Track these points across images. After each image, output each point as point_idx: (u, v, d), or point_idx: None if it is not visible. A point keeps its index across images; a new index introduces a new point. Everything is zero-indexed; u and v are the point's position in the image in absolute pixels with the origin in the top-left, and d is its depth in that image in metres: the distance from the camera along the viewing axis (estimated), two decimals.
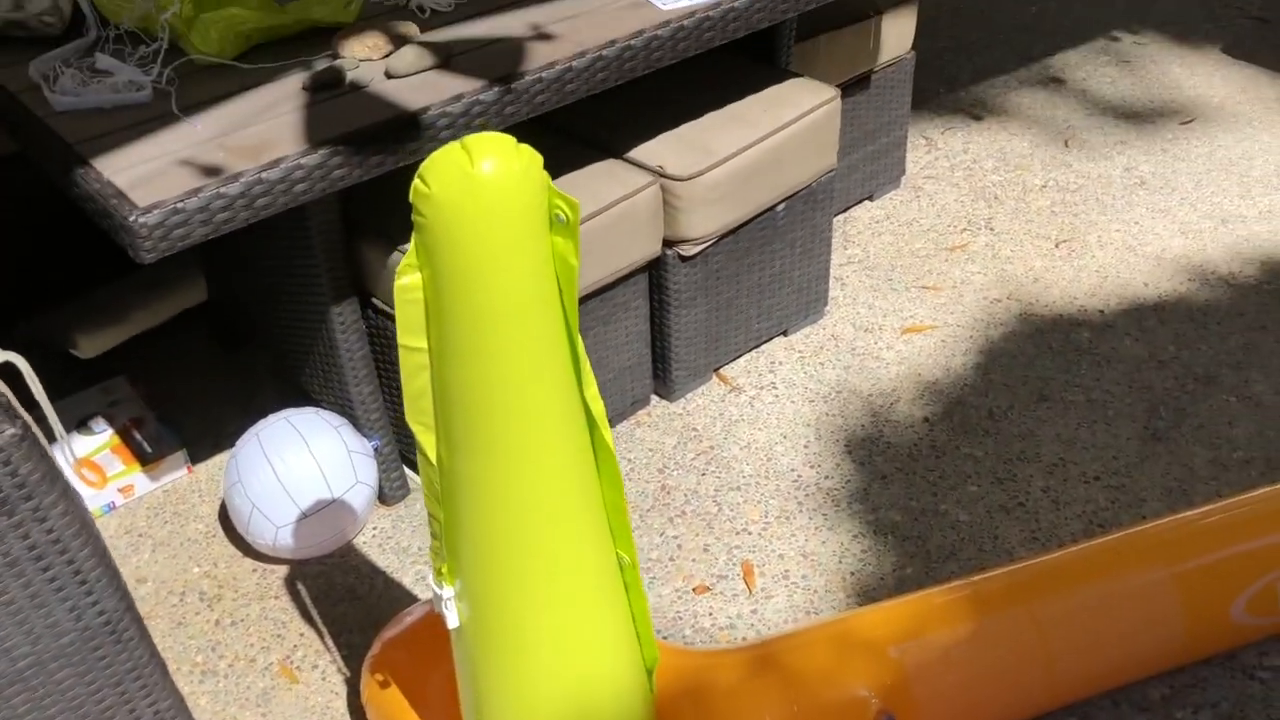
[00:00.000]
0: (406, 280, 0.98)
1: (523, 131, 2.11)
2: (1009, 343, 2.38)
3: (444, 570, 1.15)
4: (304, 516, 1.85)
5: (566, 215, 0.96)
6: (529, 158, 0.94)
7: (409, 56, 1.62)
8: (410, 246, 0.97)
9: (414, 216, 0.94)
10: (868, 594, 1.84)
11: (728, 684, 1.47)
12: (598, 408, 1.08)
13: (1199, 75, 3.33)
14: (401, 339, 1.02)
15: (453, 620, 1.16)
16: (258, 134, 1.52)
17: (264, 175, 1.45)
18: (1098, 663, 1.56)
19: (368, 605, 1.89)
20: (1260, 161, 2.92)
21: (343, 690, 1.75)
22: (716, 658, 1.52)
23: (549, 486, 1.07)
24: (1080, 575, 1.59)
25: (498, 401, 1.01)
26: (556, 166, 1.98)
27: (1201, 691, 1.66)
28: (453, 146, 0.92)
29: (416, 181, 0.93)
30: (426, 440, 1.08)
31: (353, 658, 1.80)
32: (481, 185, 0.91)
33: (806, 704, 1.45)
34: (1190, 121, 3.11)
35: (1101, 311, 2.44)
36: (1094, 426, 2.15)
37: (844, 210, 2.82)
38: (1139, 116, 3.15)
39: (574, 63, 1.65)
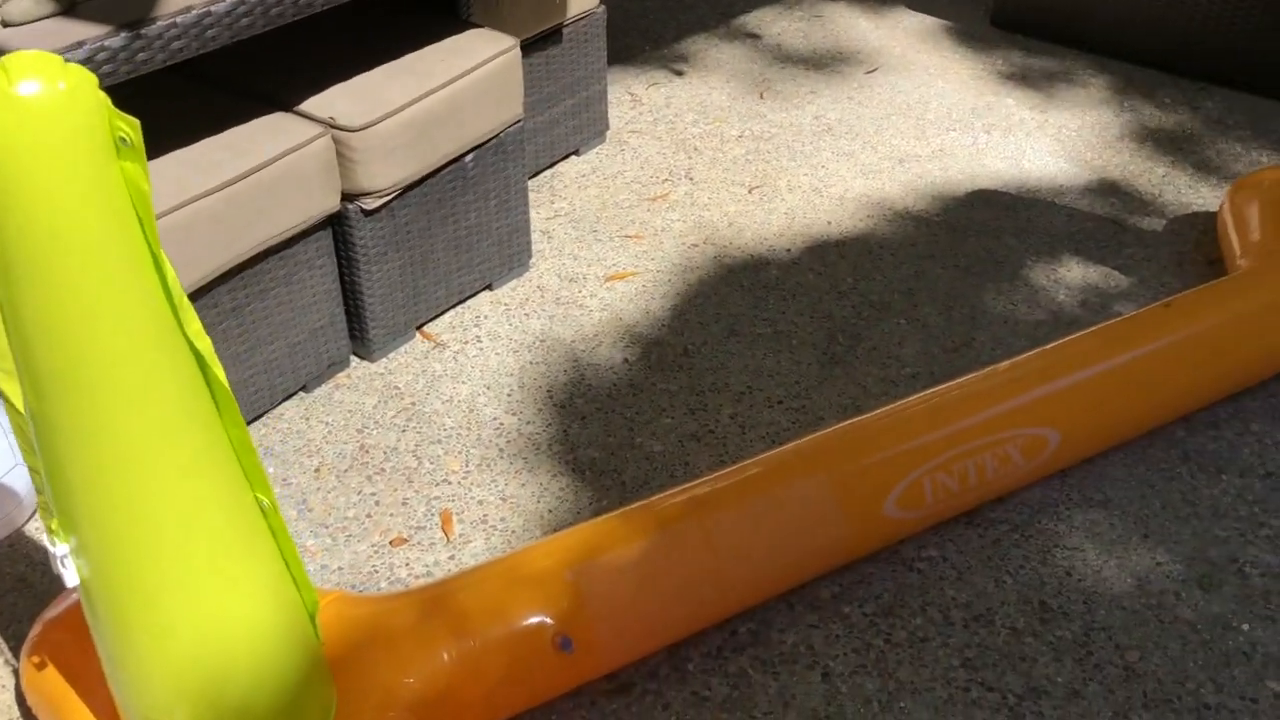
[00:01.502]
0: None
1: (180, 84, 2.02)
2: (704, 284, 2.47)
3: (55, 526, 1.10)
4: None
5: (129, 137, 0.93)
6: (79, 76, 0.90)
7: (25, 3, 1.53)
8: None
9: None
10: (562, 530, 1.88)
11: (403, 626, 1.48)
12: (203, 344, 1.06)
13: (883, 27, 3.54)
14: None
15: (71, 578, 1.11)
16: None
17: None
18: (767, 567, 1.65)
19: (39, 593, 1.78)
20: (934, 105, 3.14)
21: (10, 682, 1.65)
22: (390, 601, 1.52)
23: (154, 428, 1.04)
24: (746, 487, 1.67)
25: (79, 340, 0.97)
26: (219, 120, 1.91)
27: (866, 586, 1.79)
28: None
29: None
30: (9, 387, 1.03)
31: (20, 649, 1.70)
32: (22, 108, 0.87)
33: (484, 637, 1.47)
34: (874, 70, 3.31)
35: (788, 250, 2.57)
36: (779, 355, 2.27)
37: (550, 165, 2.86)
38: (828, 67, 3.33)
39: (213, 6, 1.60)
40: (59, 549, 1.10)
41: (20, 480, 1.79)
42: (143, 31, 1.52)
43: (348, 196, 2.02)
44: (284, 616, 1.25)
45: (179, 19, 1.55)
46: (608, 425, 2.10)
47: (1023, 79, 3.27)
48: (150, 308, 1.00)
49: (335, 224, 2.05)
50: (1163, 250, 2.58)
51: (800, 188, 2.80)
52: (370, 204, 2.03)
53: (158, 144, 1.84)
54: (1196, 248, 2.59)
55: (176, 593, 1.13)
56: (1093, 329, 2.02)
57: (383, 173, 2.00)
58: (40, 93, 0.88)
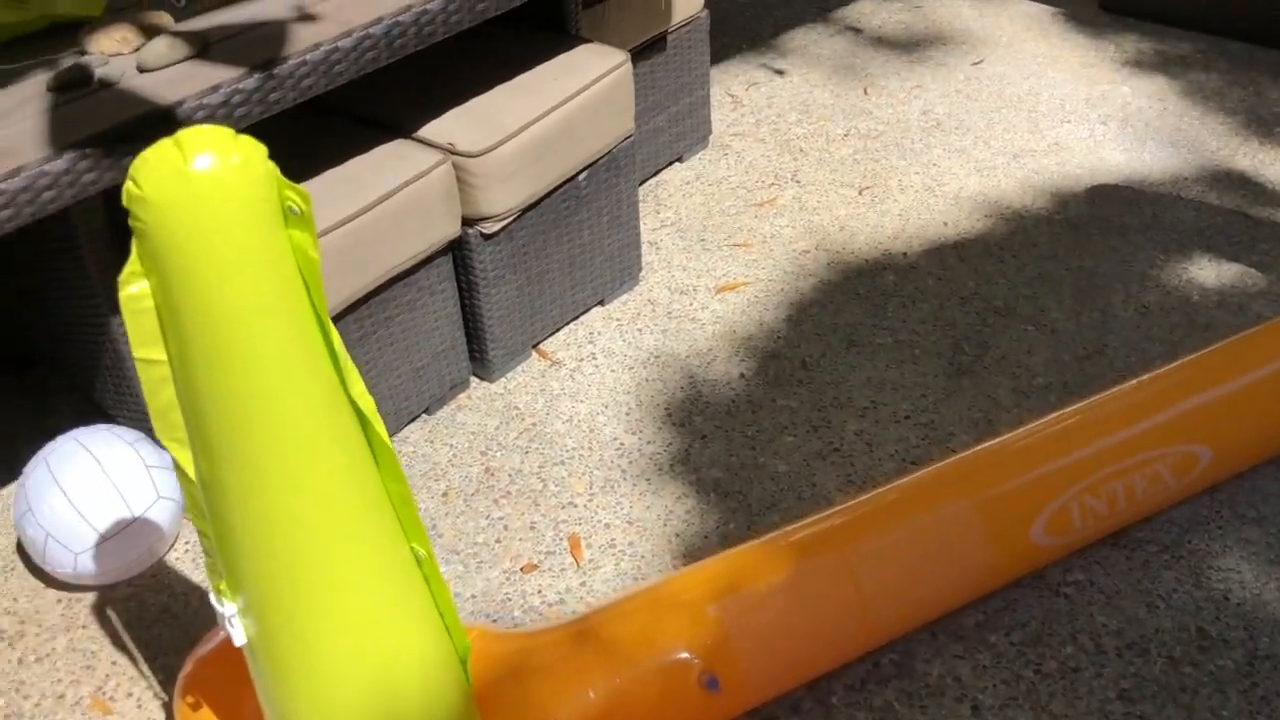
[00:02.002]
0: (133, 289, 0.92)
1: (302, 117, 2.03)
2: (818, 292, 2.42)
3: (222, 587, 1.10)
4: (104, 539, 1.76)
5: (299, 207, 0.92)
6: (249, 149, 0.89)
7: (161, 48, 1.53)
8: (132, 253, 0.92)
9: (130, 221, 0.89)
10: (693, 554, 1.86)
11: (548, 663, 1.46)
12: (366, 404, 1.05)
13: (988, 16, 3.44)
14: (136, 352, 0.96)
15: (239, 638, 1.11)
16: None
17: (4, 186, 1.35)
18: (911, 598, 1.61)
19: (183, 624, 1.81)
20: (1046, 96, 3.04)
21: (160, 716, 1.68)
22: (535, 638, 1.51)
23: (318, 490, 1.03)
24: (887, 514, 1.63)
25: (249, 409, 0.96)
26: (339, 150, 1.91)
27: (1012, 613, 1.73)
28: (164, 143, 0.87)
29: (128, 184, 0.88)
30: (182, 456, 1.03)
31: (170, 681, 1.73)
32: (198, 183, 0.86)
33: (628, 674, 1.45)
34: (981, 62, 3.21)
35: (904, 254, 2.51)
36: (902, 367, 2.21)
37: (654, 174, 2.82)
38: (933, 60, 3.24)
39: (340, 43, 1.59)
40: (227, 609, 1.10)
41: (162, 514, 1.81)
42: (275, 72, 1.52)
43: (467, 221, 2.01)
44: (439, 664, 1.24)
45: (308, 56, 1.55)
46: (729, 444, 2.07)
47: (1137, 65, 3.15)
48: (317, 373, 0.99)
49: (455, 249, 2.04)
50: None
51: (912, 187, 2.73)
52: (490, 228, 2.02)
53: (286, 169, 1.84)
54: None
55: (337, 646, 1.13)
56: (1238, 336, 1.93)
57: (502, 197, 1.99)
58: (214, 167, 0.87)
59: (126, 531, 1.78)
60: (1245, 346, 1.89)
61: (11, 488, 2.07)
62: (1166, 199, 2.63)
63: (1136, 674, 1.64)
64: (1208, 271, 2.40)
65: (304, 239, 0.94)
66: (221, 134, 0.88)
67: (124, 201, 0.89)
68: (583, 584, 1.82)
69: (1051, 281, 2.40)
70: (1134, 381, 1.85)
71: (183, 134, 0.87)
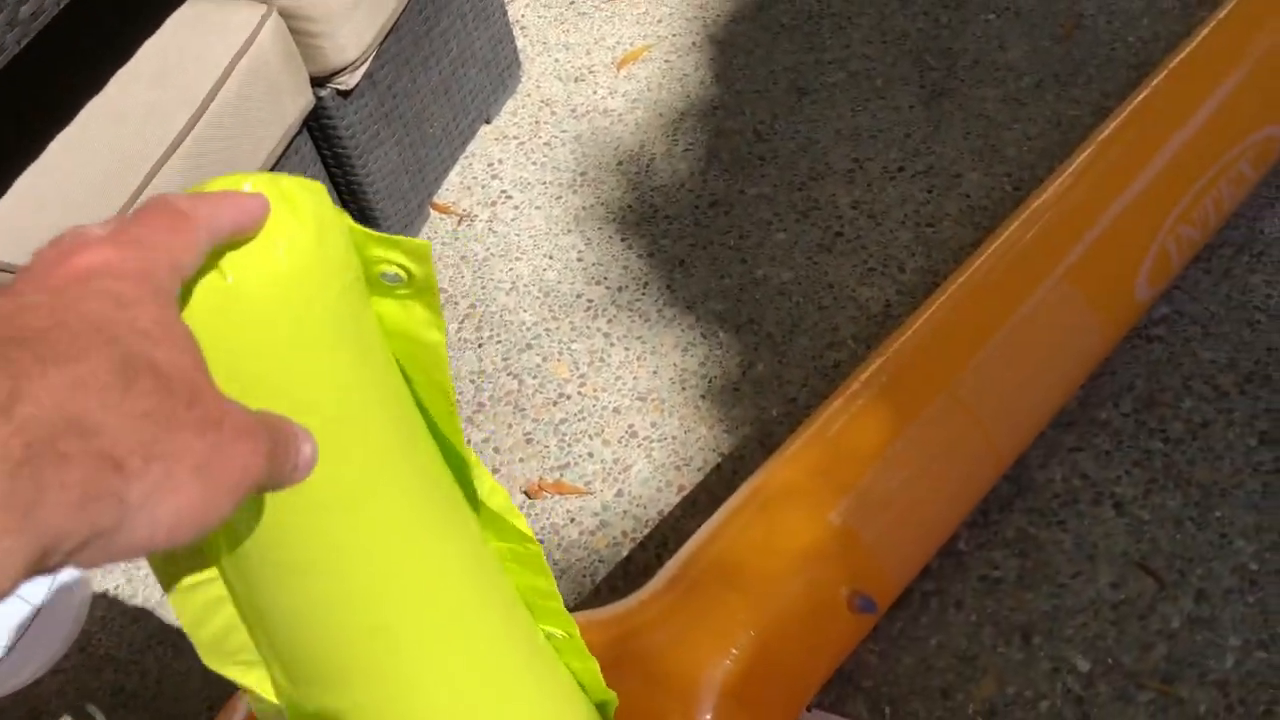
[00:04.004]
0: None
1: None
2: (737, 36, 2.00)
3: None
4: (13, 643, 1.33)
5: (403, 269, 0.50)
6: (316, 213, 0.46)
7: None
8: None
9: None
10: (729, 416, 1.54)
11: (669, 638, 1.16)
12: (498, 501, 0.67)
13: None
14: (172, 588, 0.55)
15: None
16: None
17: None
18: (1030, 408, 1.34)
19: (143, 699, 1.42)
20: None
21: None
22: (642, 611, 1.19)
23: (447, 649, 0.67)
24: (975, 318, 1.33)
25: (357, 611, 0.58)
26: (129, 39, 1.35)
27: (1112, 378, 1.49)
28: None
29: None
30: (253, 678, 0.64)
31: None
32: (243, 304, 0.45)
33: (767, 624, 1.16)
34: None
35: None
36: (870, 105, 1.85)
37: None
38: None
39: None
40: None
41: (67, 594, 1.38)
42: None
43: (317, 80, 1.49)
44: None
45: None
46: (714, 263, 1.71)
47: None
48: (441, 518, 0.60)
49: (311, 120, 1.53)
50: None
51: None
52: (347, 82, 1.51)
53: (72, 95, 1.29)
54: None
55: None
56: None
57: (352, 38, 1.47)
58: (259, 258, 0.44)
59: (34, 627, 1.35)
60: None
61: None
62: None
63: (1269, 408, 1.44)
64: None
65: (415, 314, 0.52)
66: (269, 183, 0.45)
67: None
68: (619, 494, 1.50)
69: None
70: (1161, 73, 1.54)
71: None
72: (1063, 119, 1.77)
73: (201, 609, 0.59)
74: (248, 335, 0.47)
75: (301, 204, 0.47)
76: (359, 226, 0.50)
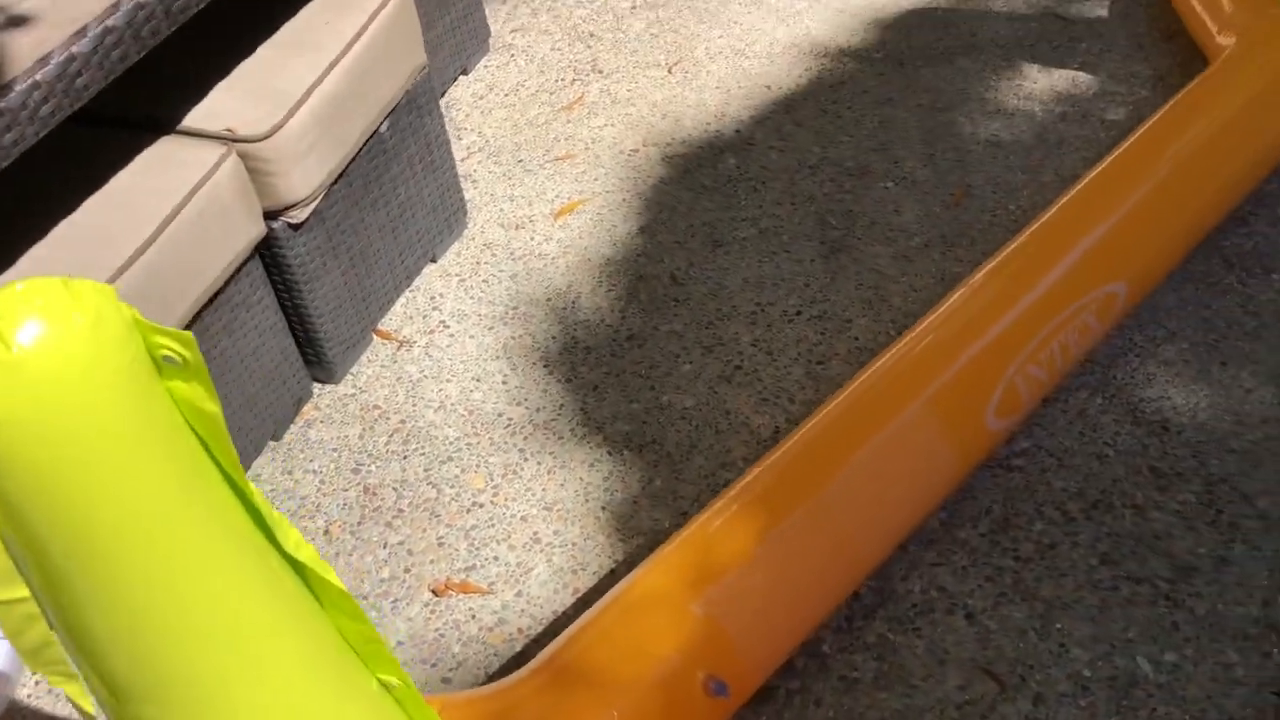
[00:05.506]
0: None
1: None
2: (662, 194, 2.22)
3: None
4: None
5: (181, 356, 0.65)
6: (95, 300, 0.62)
7: None
8: None
9: None
10: (626, 525, 1.68)
11: (538, 715, 1.27)
12: (305, 553, 0.80)
13: None
14: None
15: None
16: None
17: None
18: (887, 522, 1.49)
19: None
20: None
21: None
22: (512, 693, 1.30)
23: (272, 679, 0.79)
24: (842, 440, 1.49)
25: (165, 618, 0.71)
26: (99, 171, 1.55)
27: (973, 501, 1.64)
28: None
29: None
30: (72, 689, 0.76)
31: None
32: (30, 369, 0.59)
33: (628, 704, 1.28)
34: None
35: (738, 130, 2.33)
36: (776, 258, 2.05)
37: (442, 94, 2.51)
38: None
39: (75, 47, 1.23)
40: None
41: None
42: (1, 107, 1.16)
43: (270, 214, 1.69)
44: None
45: (40, 75, 1.19)
46: (625, 389, 1.88)
47: None
48: (240, 547, 0.73)
49: (263, 248, 1.72)
50: (1118, 36, 2.41)
51: (721, 53, 2.53)
52: (297, 216, 1.71)
53: (41, 218, 1.47)
54: (1151, 24, 2.43)
55: None
56: (1113, 158, 1.86)
57: (303, 178, 1.67)
58: (49, 340, 0.59)
59: None
60: (1117, 169, 1.82)
61: None
62: (978, 14, 2.53)
63: (1110, 532, 1.58)
64: (1041, 84, 2.33)
65: (193, 391, 0.67)
66: (47, 289, 0.60)
67: None
68: (519, 594, 1.62)
69: (896, 128, 2.28)
70: (1028, 232, 1.75)
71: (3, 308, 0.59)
72: (946, 275, 1.97)
73: (20, 620, 0.72)
74: (33, 395, 0.61)
75: (86, 298, 0.62)
76: (144, 320, 0.66)
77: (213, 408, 0.68)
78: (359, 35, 1.74)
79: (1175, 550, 1.56)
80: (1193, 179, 1.83)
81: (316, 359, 1.90)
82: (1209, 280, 1.89)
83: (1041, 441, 1.70)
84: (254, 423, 1.78)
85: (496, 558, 1.66)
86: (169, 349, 0.65)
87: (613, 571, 1.62)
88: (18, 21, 1.25)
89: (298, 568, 0.81)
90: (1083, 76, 2.33)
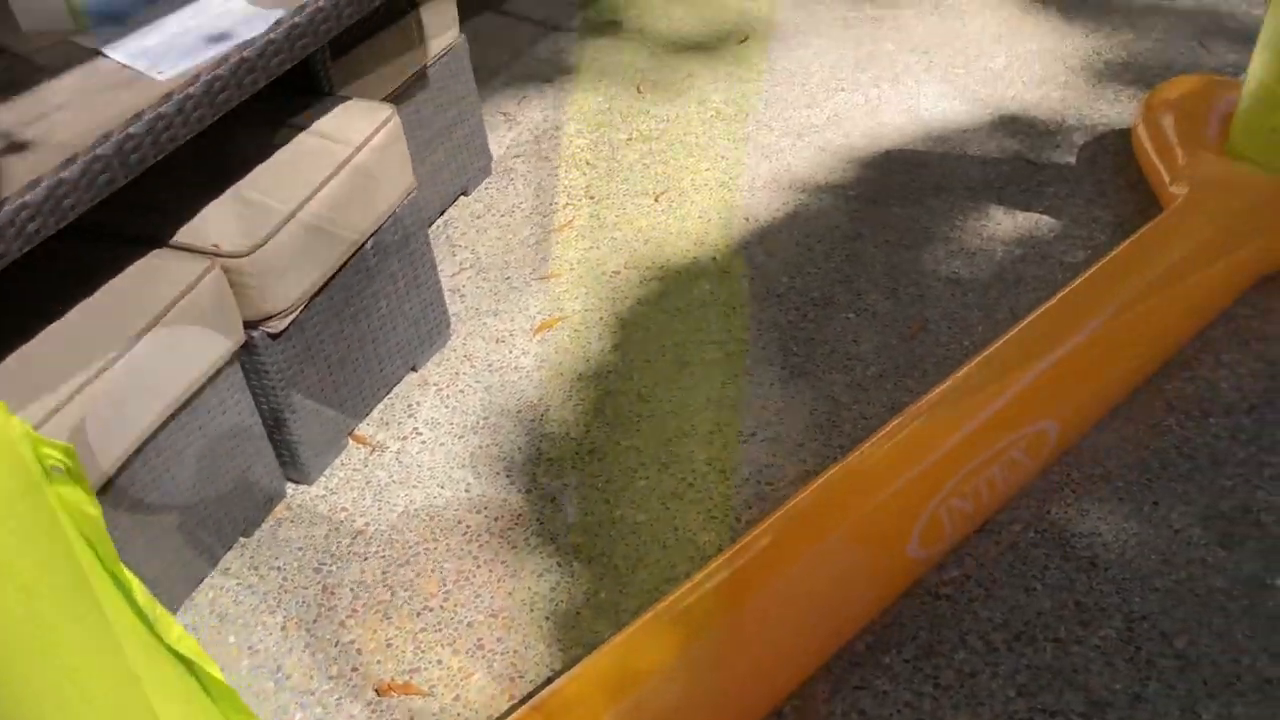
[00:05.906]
0: None
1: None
2: (637, 315, 2.33)
3: None
4: None
5: (64, 464, 0.75)
6: None
7: None
8: None
9: None
10: (567, 635, 1.74)
11: None
12: (187, 647, 0.88)
13: None
14: None
15: None
16: None
17: None
18: (805, 647, 1.55)
19: None
20: (816, 66, 3.02)
21: None
22: None
23: None
24: (765, 567, 1.56)
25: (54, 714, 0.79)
26: (88, 277, 1.68)
27: (900, 628, 1.69)
28: None
29: None
30: None
31: None
32: None
33: None
34: (745, 40, 3.17)
35: (714, 259, 2.44)
36: (737, 381, 2.15)
37: (440, 213, 2.66)
38: (700, 46, 3.18)
39: (65, 173, 1.37)
40: None
41: None
42: None
43: (250, 324, 1.81)
44: None
45: (28, 197, 1.33)
46: (582, 502, 1.96)
47: (895, 20, 3.18)
48: (122, 641, 0.82)
49: (242, 354, 1.84)
50: (1084, 182, 2.52)
51: (706, 185, 2.66)
52: (276, 326, 1.83)
53: (22, 324, 1.60)
54: (1116, 172, 2.54)
55: None
56: (1057, 299, 1.95)
57: (283, 292, 1.80)
58: None
59: None
60: (1062, 310, 1.91)
61: None
62: (952, 157, 2.66)
63: (1029, 665, 1.63)
64: (1005, 225, 2.43)
65: (75, 496, 0.77)
66: None
67: None
68: (457, 698, 1.68)
69: (862, 263, 2.39)
70: (967, 369, 1.84)
71: None
72: (896, 404, 2.05)
73: None
74: None
75: None
76: (34, 433, 0.76)
77: (94, 511, 0.77)
78: (346, 161, 1.89)
79: (1092, 685, 1.60)
80: (1132, 325, 1.91)
81: (291, 460, 2.00)
82: (1149, 421, 1.96)
83: (971, 571, 1.76)
84: (224, 521, 1.88)
85: (440, 661, 1.73)
86: (54, 459, 0.75)
87: (549, 680, 1.68)
88: (17, 147, 1.40)
89: (184, 662, 0.89)
90: (1046, 220, 2.43)
